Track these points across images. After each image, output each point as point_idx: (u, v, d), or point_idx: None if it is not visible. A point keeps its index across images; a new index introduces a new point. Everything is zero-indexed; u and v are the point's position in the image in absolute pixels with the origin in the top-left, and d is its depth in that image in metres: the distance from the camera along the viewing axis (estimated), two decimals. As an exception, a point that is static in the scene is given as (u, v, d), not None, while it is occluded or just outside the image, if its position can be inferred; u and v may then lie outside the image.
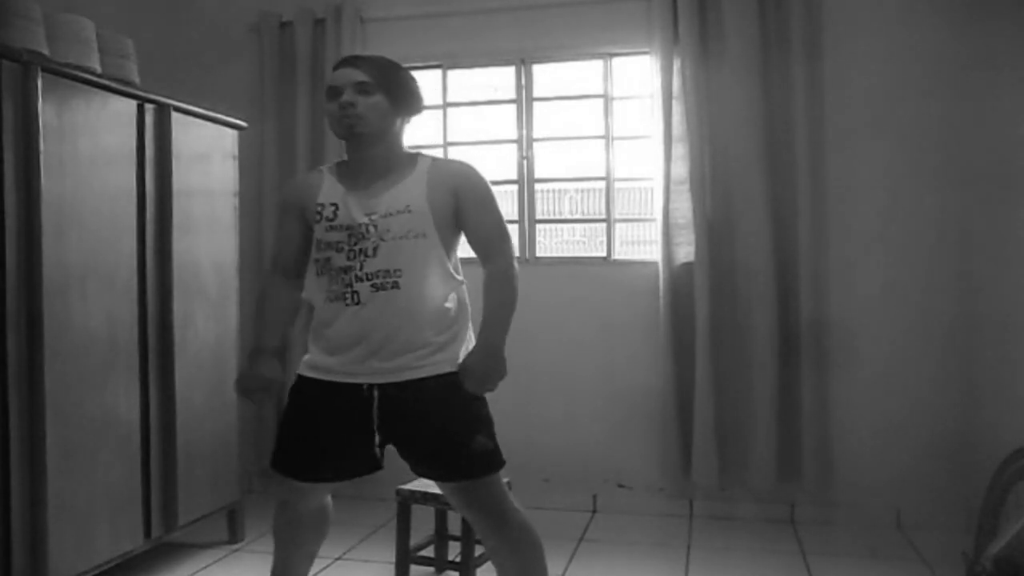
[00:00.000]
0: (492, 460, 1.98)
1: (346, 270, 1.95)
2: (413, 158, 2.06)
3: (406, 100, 2.02)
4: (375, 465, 2.02)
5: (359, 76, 1.95)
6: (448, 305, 1.99)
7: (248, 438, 3.69)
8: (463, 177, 2.03)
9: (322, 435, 2.00)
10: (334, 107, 1.96)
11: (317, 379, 2.00)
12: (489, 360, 1.95)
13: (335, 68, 2.02)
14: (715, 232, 3.47)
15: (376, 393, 1.95)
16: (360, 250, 1.94)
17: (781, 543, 3.27)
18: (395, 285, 1.93)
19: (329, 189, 2.03)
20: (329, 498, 2.19)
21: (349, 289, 1.95)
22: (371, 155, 2.00)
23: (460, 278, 2.06)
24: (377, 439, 1.98)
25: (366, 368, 1.95)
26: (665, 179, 3.51)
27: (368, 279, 1.93)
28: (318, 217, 2.00)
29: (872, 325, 3.44)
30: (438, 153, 3.88)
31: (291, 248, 2.09)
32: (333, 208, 1.99)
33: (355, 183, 2.01)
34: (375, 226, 1.94)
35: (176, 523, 2.90)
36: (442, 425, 1.96)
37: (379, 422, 1.97)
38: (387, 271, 1.93)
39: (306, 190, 2.07)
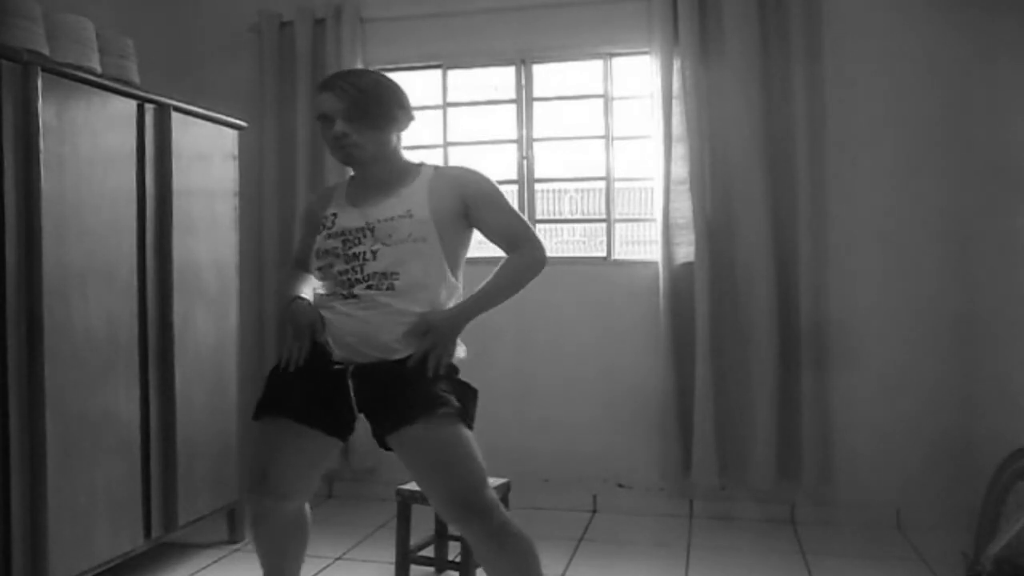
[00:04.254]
0: (447, 405, 1.91)
1: (343, 272, 2.01)
2: (416, 168, 2.11)
3: (396, 119, 2.06)
4: (340, 429, 2.02)
5: (344, 106, 1.97)
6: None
7: (248, 438, 3.68)
8: (468, 181, 2.08)
9: (306, 385, 2.00)
10: (329, 138, 2.02)
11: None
12: (445, 323, 1.97)
13: (320, 90, 2.04)
14: (715, 232, 3.47)
15: (351, 372, 1.97)
16: (355, 254, 2.00)
17: (781, 543, 3.27)
18: (390, 287, 1.97)
19: (336, 200, 2.13)
20: (307, 506, 2.17)
21: (348, 291, 2.00)
22: (373, 172, 2.08)
23: (457, 284, 2.08)
24: (355, 407, 1.99)
25: (352, 356, 1.98)
26: (665, 179, 3.51)
27: (365, 280, 1.98)
28: (322, 228, 2.08)
29: (872, 325, 3.44)
30: (438, 153, 3.89)
31: (308, 253, 2.17)
32: (333, 217, 2.07)
33: (359, 194, 2.09)
34: (371, 230, 2.00)
35: (176, 523, 2.90)
36: (411, 378, 1.94)
37: (355, 393, 1.97)
38: (384, 274, 1.97)
39: (321, 203, 2.18)
